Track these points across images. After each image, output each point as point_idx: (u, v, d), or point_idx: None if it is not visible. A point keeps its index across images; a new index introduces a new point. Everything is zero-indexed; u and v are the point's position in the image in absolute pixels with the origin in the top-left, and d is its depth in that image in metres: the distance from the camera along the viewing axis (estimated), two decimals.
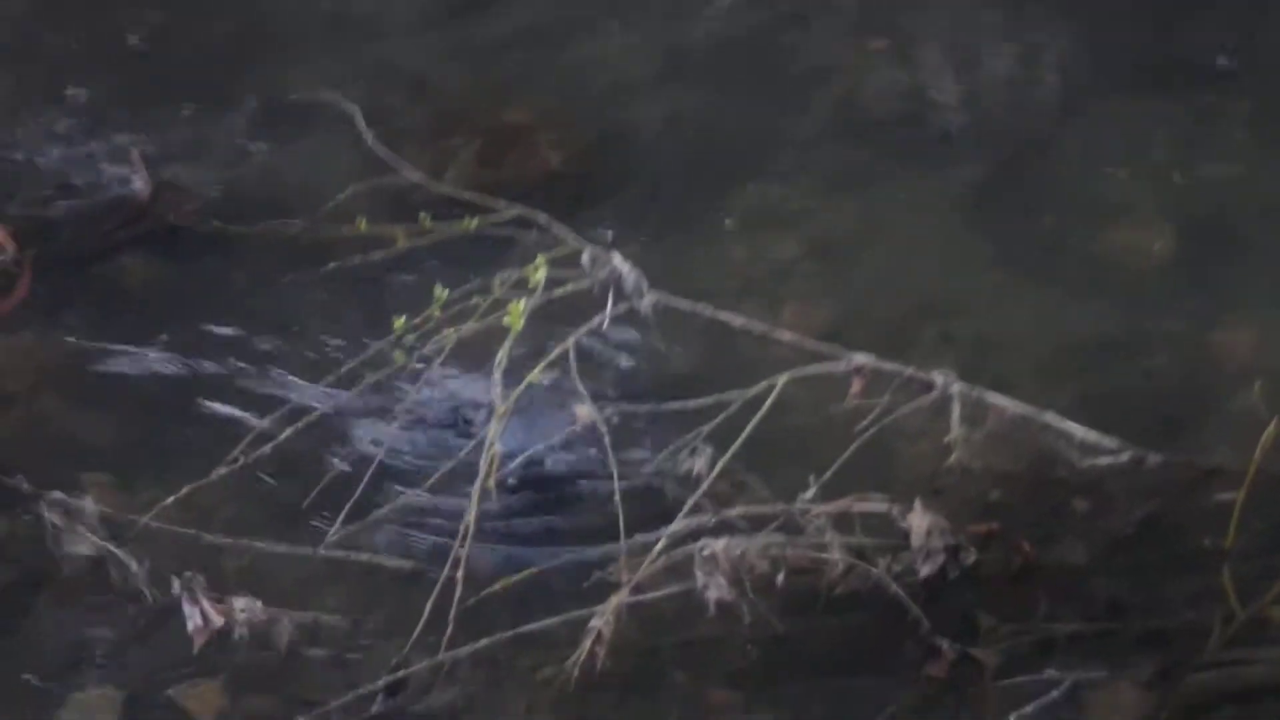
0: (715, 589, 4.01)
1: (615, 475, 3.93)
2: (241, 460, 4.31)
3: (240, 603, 4.03)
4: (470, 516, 3.92)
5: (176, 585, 4.03)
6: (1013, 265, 5.18)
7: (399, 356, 4.08)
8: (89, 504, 4.21)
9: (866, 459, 4.20)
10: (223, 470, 4.35)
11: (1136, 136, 5.43)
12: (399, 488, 4.42)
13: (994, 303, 5.07)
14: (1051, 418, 4.24)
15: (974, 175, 5.47)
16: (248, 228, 5.26)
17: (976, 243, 5.27)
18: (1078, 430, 4.22)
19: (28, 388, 4.87)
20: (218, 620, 4.00)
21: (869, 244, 5.28)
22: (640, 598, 3.95)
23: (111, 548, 4.13)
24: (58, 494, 4.24)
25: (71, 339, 4.99)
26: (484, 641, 4.08)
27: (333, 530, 4.24)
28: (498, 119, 5.55)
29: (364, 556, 4.32)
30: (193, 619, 4.01)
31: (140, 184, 5.39)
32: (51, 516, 4.22)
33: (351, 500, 4.28)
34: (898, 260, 5.21)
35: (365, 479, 4.28)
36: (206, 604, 4.01)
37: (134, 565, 4.11)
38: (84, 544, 4.18)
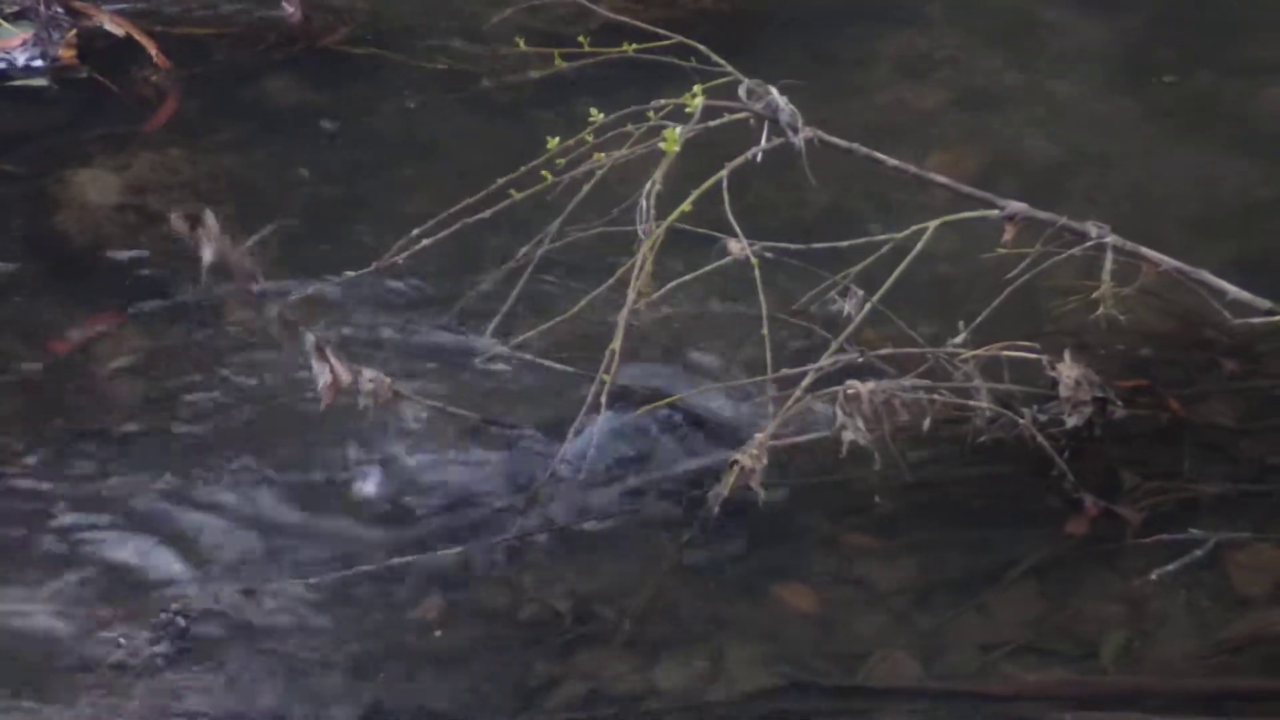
0: (853, 431, 3.97)
1: (764, 308, 3.88)
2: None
3: (368, 373, 4.05)
4: (616, 343, 3.88)
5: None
6: (1165, 121, 5.10)
7: (547, 177, 4.03)
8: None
9: (1015, 309, 4.14)
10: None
11: None
12: None
13: (1145, 159, 5.00)
14: (1205, 275, 4.16)
15: (1127, 28, 5.38)
16: (399, 52, 5.25)
17: (1128, 97, 5.19)
18: (1230, 289, 4.13)
19: (174, 203, 4.88)
20: (345, 377, 4.02)
21: (1018, 95, 5.22)
22: (783, 438, 3.93)
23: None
24: None
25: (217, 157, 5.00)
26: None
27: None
28: None
29: (528, 356, 4.31)
30: (322, 376, 4.05)
31: (291, 8, 5.38)
32: None
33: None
34: (1046, 112, 5.15)
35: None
36: (335, 362, 4.03)
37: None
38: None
